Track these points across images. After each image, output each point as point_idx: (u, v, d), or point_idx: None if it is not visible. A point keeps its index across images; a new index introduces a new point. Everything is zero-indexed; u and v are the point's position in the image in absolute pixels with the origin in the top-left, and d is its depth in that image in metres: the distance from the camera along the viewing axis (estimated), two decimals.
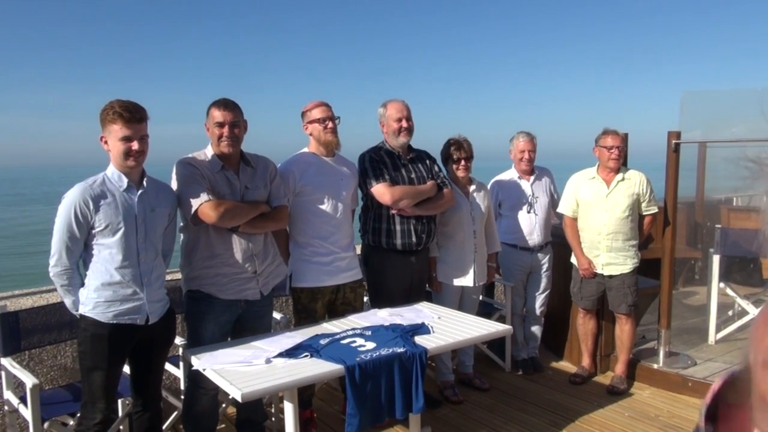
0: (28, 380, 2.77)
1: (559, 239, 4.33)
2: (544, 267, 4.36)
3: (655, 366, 4.16)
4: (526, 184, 4.30)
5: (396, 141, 3.55)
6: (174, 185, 2.81)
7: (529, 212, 4.27)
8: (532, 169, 4.31)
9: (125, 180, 2.54)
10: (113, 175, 2.55)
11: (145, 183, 2.61)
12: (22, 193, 56.17)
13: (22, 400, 2.90)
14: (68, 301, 2.58)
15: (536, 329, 4.49)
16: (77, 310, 2.57)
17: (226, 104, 2.86)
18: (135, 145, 2.48)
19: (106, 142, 2.52)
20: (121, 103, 2.47)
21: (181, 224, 2.91)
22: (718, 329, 4.63)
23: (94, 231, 2.48)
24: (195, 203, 2.73)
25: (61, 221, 2.46)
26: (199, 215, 2.73)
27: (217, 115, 2.84)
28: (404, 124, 3.52)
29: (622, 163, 4.02)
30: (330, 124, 3.28)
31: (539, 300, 4.42)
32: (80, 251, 2.53)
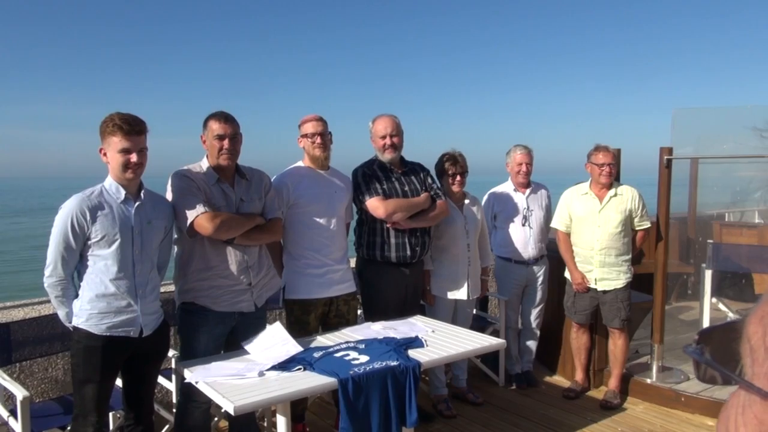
0: (19, 393, 2.74)
1: (554, 253, 4.35)
2: (539, 280, 4.37)
3: (649, 381, 4.16)
4: (521, 197, 4.32)
5: (382, 157, 3.57)
6: (169, 197, 2.82)
7: (523, 225, 4.28)
8: (528, 182, 4.34)
9: (123, 192, 2.55)
10: (111, 186, 2.56)
11: (142, 195, 2.62)
12: (11, 204, 55.86)
13: (12, 413, 2.87)
14: (62, 313, 2.57)
15: (531, 343, 4.49)
16: (70, 322, 2.56)
17: (226, 117, 2.88)
18: (134, 158, 2.50)
19: (105, 154, 2.54)
20: (121, 115, 2.49)
21: (176, 236, 2.91)
22: None
23: (90, 242, 2.48)
24: (191, 215, 2.73)
25: (57, 231, 2.46)
26: (195, 227, 2.74)
27: (217, 127, 2.85)
28: (388, 141, 3.53)
29: (615, 179, 4.05)
30: (318, 140, 3.30)
31: (534, 313, 4.43)
32: (76, 262, 2.53)
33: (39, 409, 3.04)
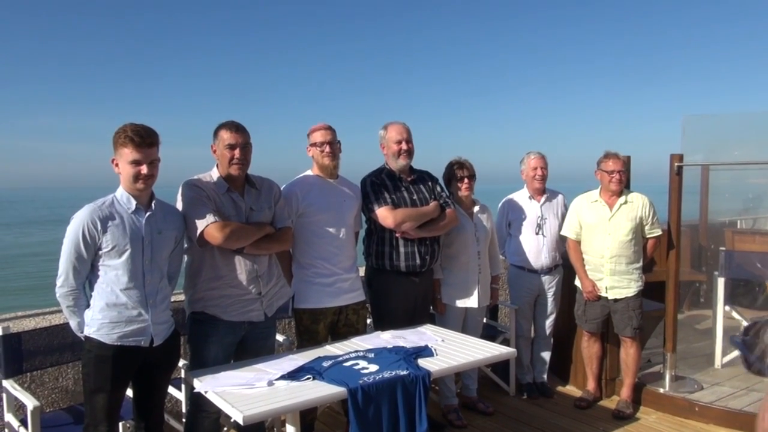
0: (29, 402, 2.75)
1: (565, 261, 4.32)
2: (552, 290, 4.33)
3: (662, 390, 4.11)
4: (536, 205, 4.30)
5: (396, 163, 3.57)
6: (179, 206, 2.83)
7: (537, 233, 4.26)
8: (544, 189, 4.32)
9: (134, 202, 2.57)
10: (122, 196, 2.57)
11: (153, 206, 2.63)
12: (22, 215, 56.25)
13: (23, 422, 2.88)
14: (73, 323, 2.58)
15: (545, 354, 4.44)
16: (82, 332, 2.57)
17: (237, 127, 2.90)
18: (144, 169, 2.51)
19: (117, 165, 2.56)
20: (134, 127, 2.51)
21: (186, 246, 2.92)
22: (724, 353, 4.58)
23: (100, 252, 2.50)
24: (201, 224, 2.74)
25: (69, 241, 2.48)
26: (205, 236, 2.75)
27: (228, 137, 2.87)
28: (404, 146, 3.54)
29: (625, 186, 4.03)
30: (327, 149, 3.31)
31: (547, 323, 4.39)
32: (87, 272, 2.55)
33: (49, 418, 3.05)
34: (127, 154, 2.50)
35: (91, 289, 2.57)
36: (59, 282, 2.52)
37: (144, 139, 2.50)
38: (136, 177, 2.52)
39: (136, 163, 2.50)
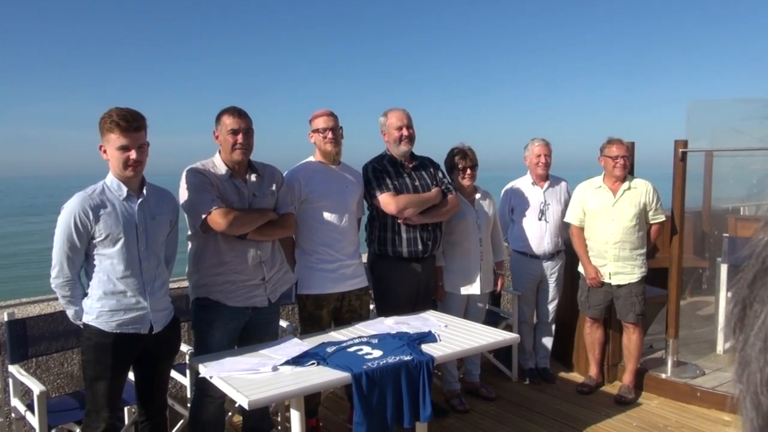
0: (36, 387, 2.77)
1: (568, 248, 4.32)
2: (554, 276, 4.34)
3: (663, 376, 4.13)
4: (538, 191, 4.29)
5: (397, 149, 3.56)
6: (183, 193, 2.82)
7: (540, 219, 4.25)
8: (547, 175, 4.31)
9: (125, 189, 2.52)
10: (112, 183, 2.52)
11: (144, 191, 2.58)
12: (32, 203, 56.19)
13: (29, 407, 2.90)
14: (70, 312, 2.56)
15: (547, 340, 4.46)
16: (80, 320, 2.55)
17: (239, 112, 2.88)
18: (133, 155, 2.45)
19: (105, 151, 2.49)
20: (119, 111, 2.44)
21: (189, 232, 2.91)
22: (726, 339, 4.60)
23: (94, 241, 2.46)
24: (204, 211, 2.74)
25: (60, 232, 2.44)
26: (209, 223, 2.74)
27: (231, 122, 2.85)
28: (405, 132, 3.53)
29: (629, 172, 4.01)
30: (329, 135, 3.30)
31: (549, 309, 4.40)
32: (81, 261, 2.51)
33: (55, 403, 3.07)
34: (114, 139, 2.43)
35: (88, 278, 2.54)
36: (54, 273, 2.48)
37: (130, 123, 2.42)
38: (126, 163, 2.45)
39: (125, 148, 2.43)
